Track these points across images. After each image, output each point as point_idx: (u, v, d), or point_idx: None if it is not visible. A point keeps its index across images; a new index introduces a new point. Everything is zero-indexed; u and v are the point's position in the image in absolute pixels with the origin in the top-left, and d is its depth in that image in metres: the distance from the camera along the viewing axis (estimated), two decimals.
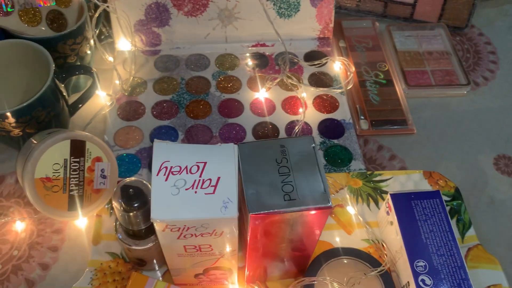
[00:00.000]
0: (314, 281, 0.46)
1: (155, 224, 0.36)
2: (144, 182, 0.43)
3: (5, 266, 0.51)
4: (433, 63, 0.71)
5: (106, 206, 0.54)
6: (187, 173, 0.36)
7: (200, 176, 0.37)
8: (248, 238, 0.40)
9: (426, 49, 0.73)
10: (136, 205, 0.41)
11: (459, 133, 0.65)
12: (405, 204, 0.51)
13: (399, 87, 0.68)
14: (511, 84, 0.71)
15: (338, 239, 0.54)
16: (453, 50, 0.72)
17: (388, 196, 0.51)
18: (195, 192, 0.36)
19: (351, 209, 0.54)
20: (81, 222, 0.54)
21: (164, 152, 0.37)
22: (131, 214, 0.42)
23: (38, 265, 0.52)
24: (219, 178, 0.37)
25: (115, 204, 0.42)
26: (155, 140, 0.37)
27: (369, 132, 0.64)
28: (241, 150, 0.39)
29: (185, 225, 0.36)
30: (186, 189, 0.36)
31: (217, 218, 0.36)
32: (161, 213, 0.35)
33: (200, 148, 0.38)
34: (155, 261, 0.50)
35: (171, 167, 0.37)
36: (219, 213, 0.35)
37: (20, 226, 0.54)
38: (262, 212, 0.36)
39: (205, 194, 0.36)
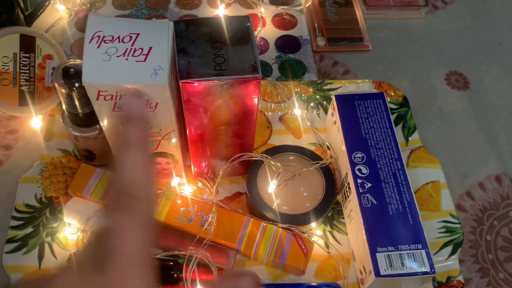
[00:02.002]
0: (252, 156, 0.47)
1: (88, 91, 0.37)
2: None
3: None
4: None
5: (60, 107, 0.55)
6: (119, 42, 0.37)
7: (132, 46, 0.37)
8: (185, 117, 0.41)
9: None
10: (76, 84, 0.42)
11: (414, 52, 0.66)
12: (348, 104, 0.52)
13: (358, 8, 0.69)
14: (469, 8, 0.72)
15: (287, 143, 0.55)
16: None
17: (333, 97, 0.52)
18: (126, 59, 0.37)
19: (297, 111, 0.56)
20: (35, 123, 0.54)
21: (99, 23, 0.38)
22: (74, 94, 0.43)
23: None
24: (151, 48, 0.38)
25: (58, 86, 0.43)
26: (90, 14, 0.38)
27: (325, 48, 0.65)
28: (177, 26, 0.40)
29: (117, 92, 0.37)
30: (117, 56, 0.37)
31: (148, 85, 0.37)
32: (92, 77, 0.36)
33: (135, 21, 0.39)
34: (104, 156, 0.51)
35: (104, 36, 0.37)
36: (150, 79, 0.37)
37: None
38: (192, 79, 0.37)
39: (136, 61, 0.37)
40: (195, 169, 0.51)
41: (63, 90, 0.43)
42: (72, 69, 0.42)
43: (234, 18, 0.41)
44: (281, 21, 0.67)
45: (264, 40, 0.65)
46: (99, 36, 0.37)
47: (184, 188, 0.50)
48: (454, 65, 0.65)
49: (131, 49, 0.37)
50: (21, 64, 0.50)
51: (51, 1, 0.61)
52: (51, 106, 0.53)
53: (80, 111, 0.45)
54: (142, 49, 0.37)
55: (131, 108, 0.29)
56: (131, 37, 0.38)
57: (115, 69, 0.37)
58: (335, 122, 0.52)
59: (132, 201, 0.26)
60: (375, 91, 0.59)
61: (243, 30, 0.40)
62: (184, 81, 0.37)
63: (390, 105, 0.57)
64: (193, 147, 0.46)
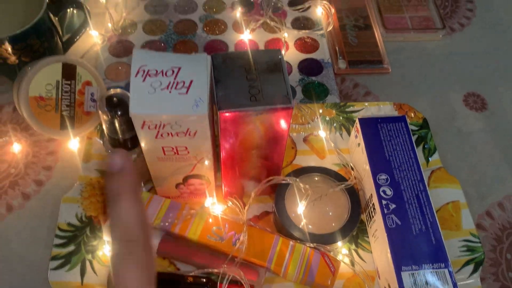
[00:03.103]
0: (281, 180, 0.50)
1: (134, 121, 0.40)
2: (128, 93, 0.47)
3: (2, 182, 0.56)
4: (411, 10, 0.75)
5: (97, 130, 0.58)
6: (163, 76, 0.40)
7: (175, 79, 0.40)
8: (220, 143, 0.44)
9: None
10: (119, 112, 0.45)
11: (432, 73, 0.69)
12: (371, 126, 0.54)
13: (378, 31, 0.72)
14: (485, 31, 0.74)
15: (311, 164, 0.58)
16: None
17: (357, 120, 0.55)
18: (170, 92, 0.40)
19: (322, 133, 0.58)
20: (73, 145, 0.58)
21: (143, 58, 0.41)
22: (116, 121, 0.46)
23: (33, 181, 0.56)
24: (192, 81, 0.40)
25: (101, 113, 0.46)
26: (135, 48, 0.41)
27: (346, 71, 0.68)
28: (214, 59, 0.43)
29: (161, 121, 0.40)
30: (161, 89, 0.40)
31: (190, 115, 0.40)
32: (139, 108, 0.39)
33: (176, 56, 0.42)
34: (141, 176, 0.54)
35: (148, 70, 0.40)
36: (191, 110, 0.39)
37: (17, 147, 0.58)
38: (230, 110, 0.40)
39: (179, 94, 0.40)
40: (226, 189, 0.53)
41: (106, 118, 0.46)
42: (115, 98, 0.45)
43: (267, 52, 0.44)
44: (304, 45, 0.70)
45: (287, 63, 0.67)
46: (144, 70, 0.40)
47: (216, 208, 0.53)
48: (472, 87, 0.67)
49: (173, 82, 0.40)
50: (63, 91, 0.54)
51: (87, 29, 0.64)
52: (89, 129, 0.56)
53: (121, 136, 0.48)
54: (184, 82, 0.40)
55: (111, 165, 0.31)
56: (173, 71, 0.41)
57: (160, 100, 0.40)
58: (359, 144, 0.55)
59: (131, 247, 0.30)
60: (396, 113, 0.61)
61: (275, 62, 0.43)
62: (222, 111, 0.40)
63: (411, 127, 0.60)
64: (225, 168, 0.49)
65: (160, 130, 0.41)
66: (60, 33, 0.63)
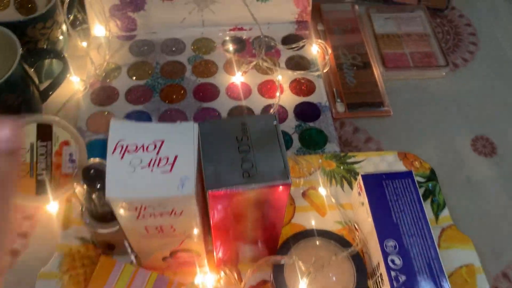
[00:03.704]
0: (280, 260, 0.45)
1: (111, 204, 0.36)
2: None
3: None
4: (411, 45, 0.71)
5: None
6: (143, 151, 0.36)
7: (157, 154, 0.36)
8: (210, 218, 0.40)
9: (405, 31, 0.72)
10: (98, 186, 0.41)
11: (437, 115, 0.64)
12: (376, 184, 0.50)
13: (377, 70, 0.68)
14: (490, 66, 0.70)
15: (312, 222, 0.53)
16: (433, 32, 0.72)
17: (359, 177, 0.51)
18: (152, 170, 0.35)
19: (322, 190, 0.54)
20: (52, 207, 0.53)
21: (120, 131, 0.36)
22: (94, 195, 0.41)
23: (8, 252, 0.51)
24: (176, 156, 0.36)
25: (77, 186, 0.42)
26: (111, 119, 0.37)
27: (345, 114, 0.63)
28: (202, 129, 0.38)
29: (141, 204, 0.36)
30: (142, 168, 0.35)
31: (174, 197, 0.35)
32: (116, 191, 0.35)
33: (158, 126, 0.38)
34: (126, 244, 0.49)
35: (127, 145, 0.36)
36: (176, 191, 0.35)
37: None
38: (220, 189, 0.36)
39: (162, 172, 0.35)
40: (218, 256, 0.49)
41: (83, 191, 0.41)
42: (92, 171, 0.41)
43: (260, 118, 0.40)
44: (299, 87, 0.66)
45: (282, 108, 0.63)
46: (122, 146, 0.36)
47: (207, 278, 0.48)
48: (480, 129, 0.63)
49: (156, 158, 0.36)
50: (38, 154, 0.49)
51: (67, 76, 0.60)
52: (69, 192, 0.52)
53: (100, 210, 0.43)
54: (167, 158, 0.36)
55: None
56: (155, 145, 0.36)
57: (140, 181, 0.35)
58: (362, 203, 0.50)
59: None
60: (400, 163, 0.57)
61: (269, 130, 0.39)
62: (211, 191, 0.36)
63: (417, 178, 0.55)
64: (216, 238, 0.44)
65: (141, 211, 0.37)
66: (37, 82, 0.58)
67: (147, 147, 0.36)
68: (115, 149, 0.36)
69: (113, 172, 0.35)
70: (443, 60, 0.68)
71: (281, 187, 0.37)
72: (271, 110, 0.61)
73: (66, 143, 0.51)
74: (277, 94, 0.64)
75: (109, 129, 0.36)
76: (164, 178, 0.35)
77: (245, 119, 0.39)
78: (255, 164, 0.37)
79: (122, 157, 0.36)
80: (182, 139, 0.37)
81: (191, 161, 0.36)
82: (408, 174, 0.51)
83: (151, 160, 0.36)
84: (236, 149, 0.38)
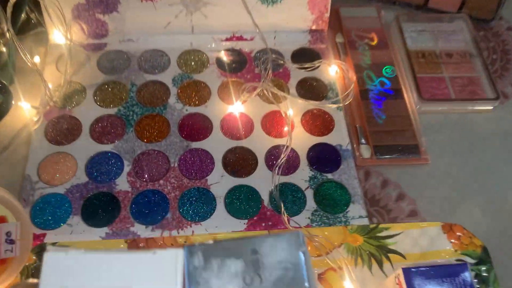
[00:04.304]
0: None
1: None
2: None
3: None
4: (451, 67, 0.57)
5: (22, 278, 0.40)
6: None
7: None
8: None
9: (443, 48, 0.58)
10: None
11: (485, 162, 0.52)
12: (422, 282, 0.38)
13: (410, 100, 0.54)
14: None
15: None
16: (477, 50, 0.58)
17: (400, 271, 0.38)
18: None
19: (348, 285, 0.41)
20: None
21: (59, 274, 0.23)
22: None
23: None
24: None
25: None
26: (48, 247, 0.23)
27: (372, 161, 0.50)
28: (190, 260, 0.25)
29: None
30: None
31: None
32: None
33: (120, 260, 0.24)
34: None
35: None
36: None
37: None
38: None
39: None
40: None
41: None
42: None
43: (279, 240, 0.26)
44: (313, 122, 0.52)
45: (292, 151, 0.49)
46: None
47: None
48: None
49: None
50: None
51: (13, 104, 0.45)
52: (9, 281, 0.38)
53: None
54: None
55: None
56: None
57: None
58: None
59: None
60: (444, 237, 0.44)
61: (293, 263, 0.25)
62: None
63: (466, 258, 0.43)
64: None
65: None
66: None
67: None
68: None
69: None
70: (492, 91, 0.55)
71: None
72: (280, 160, 0.47)
73: (2, 219, 0.37)
74: (288, 136, 0.49)
75: (41, 270, 0.23)
76: None
77: (256, 243, 0.26)
78: None
79: None
80: (157, 279, 0.23)
81: None
82: (462, 268, 0.39)
83: None
84: None
